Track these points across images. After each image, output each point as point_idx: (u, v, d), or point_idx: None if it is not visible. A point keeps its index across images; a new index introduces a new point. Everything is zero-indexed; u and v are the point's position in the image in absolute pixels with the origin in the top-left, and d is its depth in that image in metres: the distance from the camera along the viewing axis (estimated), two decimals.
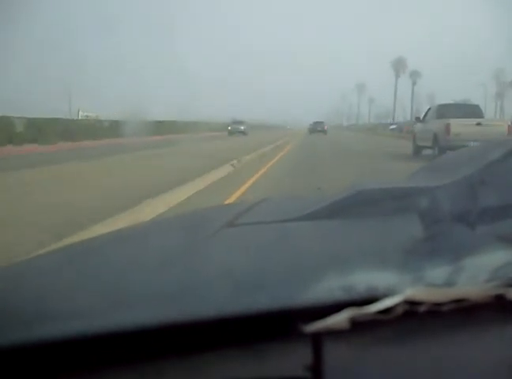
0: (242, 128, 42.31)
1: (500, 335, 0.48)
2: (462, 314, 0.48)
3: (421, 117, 15.64)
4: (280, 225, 0.89)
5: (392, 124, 67.59)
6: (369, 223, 0.83)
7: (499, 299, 0.48)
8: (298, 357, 0.43)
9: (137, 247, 0.86)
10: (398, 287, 0.46)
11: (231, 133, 40.80)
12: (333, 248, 0.75)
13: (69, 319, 0.49)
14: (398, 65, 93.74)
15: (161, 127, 40.03)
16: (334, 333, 0.44)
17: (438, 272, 0.52)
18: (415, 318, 0.46)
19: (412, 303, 0.45)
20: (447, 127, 12.28)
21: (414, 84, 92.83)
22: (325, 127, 50.44)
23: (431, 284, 0.48)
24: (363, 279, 0.50)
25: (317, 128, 49.40)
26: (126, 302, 0.54)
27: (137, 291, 0.58)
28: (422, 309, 0.46)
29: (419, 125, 15.29)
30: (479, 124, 12.34)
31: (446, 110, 13.78)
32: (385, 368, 0.44)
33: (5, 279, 0.70)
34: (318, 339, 0.44)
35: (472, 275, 0.51)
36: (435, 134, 12.66)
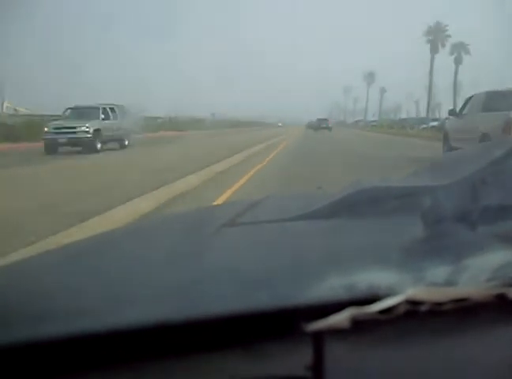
0: (86, 129, 17.14)
1: (501, 334, 0.48)
2: (463, 314, 0.48)
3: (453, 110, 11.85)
4: (282, 224, 0.89)
5: (431, 119, 48.60)
6: (370, 222, 0.83)
7: (500, 299, 0.48)
8: (299, 356, 0.43)
9: (139, 245, 0.86)
10: (399, 287, 0.47)
11: (49, 146, 17.26)
12: (335, 247, 0.75)
13: (70, 317, 0.49)
14: (436, 34, 64.81)
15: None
16: (335, 332, 0.44)
17: (439, 272, 0.52)
18: (416, 318, 0.46)
19: (413, 303, 0.45)
20: (507, 123, 8.32)
21: (459, 63, 63.17)
22: (330, 124, 53.27)
23: (432, 284, 0.49)
24: (364, 279, 0.50)
25: (321, 125, 51.90)
26: (127, 301, 0.54)
27: (139, 290, 0.58)
28: (423, 308, 0.46)
29: (454, 122, 11.37)
30: None
31: (497, 100, 9.55)
32: (386, 367, 0.44)
33: (6, 277, 0.71)
34: (319, 338, 0.44)
35: (474, 275, 0.51)
36: (485, 134, 8.82)
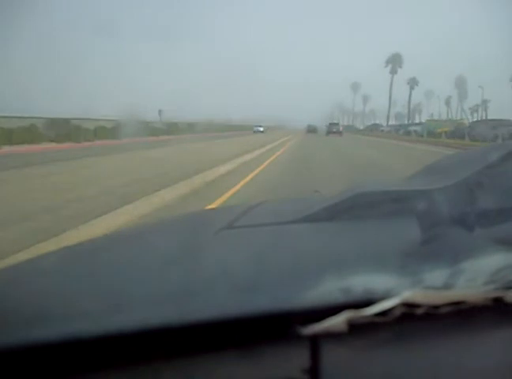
0: None
1: (498, 337, 0.48)
2: (460, 317, 0.48)
3: None
4: (279, 227, 0.89)
5: None
6: (367, 226, 0.83)
7: (497, 302, 0.48)
8: (296, 359, 0.44)
9: (135, 249, 0.86)
10: (396, 290, 0.47)
11: None
12: (331, 250, 0.75)
13: (68, 320, 0.49)
14: None
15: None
16: (332, 335, 0.44)
17: (435, 275, 0.52)
18: (412, 321, 0.46)
19: (409, 306, 0.46)
20: None
21: None
22: (341, 128, 53.35)
23: (428, 287, 0.48)
24: (360, 282, 0.50)
25: (332, 129, 52.14)
26: (124, 304, 0.54)
27: (136, 293, 0.58)
28: (420, 311, 0.46)
29: None
30: None
31: None
32: (382, 370, 0.44)
33: (4, 280, 0.71)
34: (315, 341, 0.44)
35: (470, 278, 0.50)
36: None
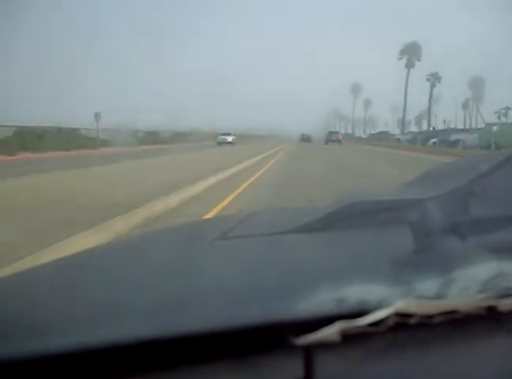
0: None
1: (491, 346, 0.49)
2: (453, 326, 0.48)
3: None
4: (273, 238, 0.89)
5: None
6: (360, 235, 0.83)
7: (490, 311, 0.48)
8: (289, 370, 0.44)
9: (130, 260, 0.86)
10: (389, 300, 0.47)
11: None
12: (325, 260, 0.75)
13: (65, 332, 0.49)
14: None
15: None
16: (325, 346, 0.44)
17: (428, 284, 0.52)
18: (406, 330, 0.46)
19: (402, 315, 0.46)
20: None
21: None
22: (340, 136, 53.87)
23: (421, 296, 0.49)
24: (354, 292, 0.50)
25: (331, 138, 52.58)
26: (119, 315, 0.54)
27: (130, 304, 0.58)
28: (413, 321, 0.46)
29: None
30: None
31: None
32: None
33: (1, 291, 0.70)
34: (309, 351, 0.44)
35: (463, 287, 0.50)
36: None
